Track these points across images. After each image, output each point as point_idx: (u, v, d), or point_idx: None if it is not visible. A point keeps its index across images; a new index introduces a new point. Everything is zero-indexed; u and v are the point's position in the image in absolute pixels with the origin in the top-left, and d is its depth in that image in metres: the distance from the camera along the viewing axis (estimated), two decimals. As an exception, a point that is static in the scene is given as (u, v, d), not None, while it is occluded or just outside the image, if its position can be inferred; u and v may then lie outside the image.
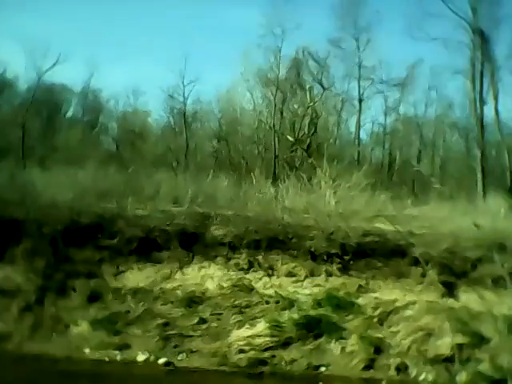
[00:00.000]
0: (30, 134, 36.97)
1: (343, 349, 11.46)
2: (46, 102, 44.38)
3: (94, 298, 12.85)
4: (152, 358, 11.39)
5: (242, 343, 11.60)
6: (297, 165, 32.63)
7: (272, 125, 35.51)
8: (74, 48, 39.97)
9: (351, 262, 13.91)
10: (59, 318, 12.24)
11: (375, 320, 12.15)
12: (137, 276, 13.53)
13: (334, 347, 11.54)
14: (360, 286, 13.31)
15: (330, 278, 13.54)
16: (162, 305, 12.76)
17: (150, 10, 56.96)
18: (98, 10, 55.11)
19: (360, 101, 38.08)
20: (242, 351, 11.47)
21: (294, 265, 13.83)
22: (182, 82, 38.68)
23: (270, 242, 14.23)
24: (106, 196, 19.13)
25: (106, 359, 11.34)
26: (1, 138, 40.38)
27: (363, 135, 51.86)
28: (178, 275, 13.60)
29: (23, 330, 11.85)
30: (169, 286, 13.35)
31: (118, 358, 11.40)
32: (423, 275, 13.04)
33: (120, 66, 53.61)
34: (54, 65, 36.26)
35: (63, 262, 13.46)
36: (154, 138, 42.39)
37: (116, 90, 46.12)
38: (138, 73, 59.75)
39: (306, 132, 35.89)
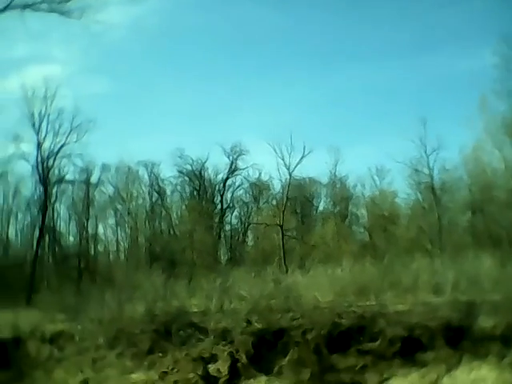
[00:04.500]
0: (287, 235, 39.54)
1: None
2: (298, 199, 47.51)
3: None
4: None
5: None
6: None
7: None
8: (315, 137, 40.23)
9: None
10: None
11: None
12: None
13: None
14: None
15: None
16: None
17: (376, 75, 56.57)
18: (328, 94, 57.89)
19: None
20: None
21: None
22: (425, 152, 36.94)
23: (551, 330, 12.51)
24: (364, 292, 19.32)
25: None
26: (265, 242, 44.41)
27: None
28: (445, 380, 12.57)
29: None
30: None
31: None
32: None
33: (360, 145, 54.50)
34: (301, 159, 38.38)
35: (327, 371, 13.52)
36: (404, 220, 41.70)
37: (360, 172, 46.43)
38: (378, 149, 59.82)
39: None
